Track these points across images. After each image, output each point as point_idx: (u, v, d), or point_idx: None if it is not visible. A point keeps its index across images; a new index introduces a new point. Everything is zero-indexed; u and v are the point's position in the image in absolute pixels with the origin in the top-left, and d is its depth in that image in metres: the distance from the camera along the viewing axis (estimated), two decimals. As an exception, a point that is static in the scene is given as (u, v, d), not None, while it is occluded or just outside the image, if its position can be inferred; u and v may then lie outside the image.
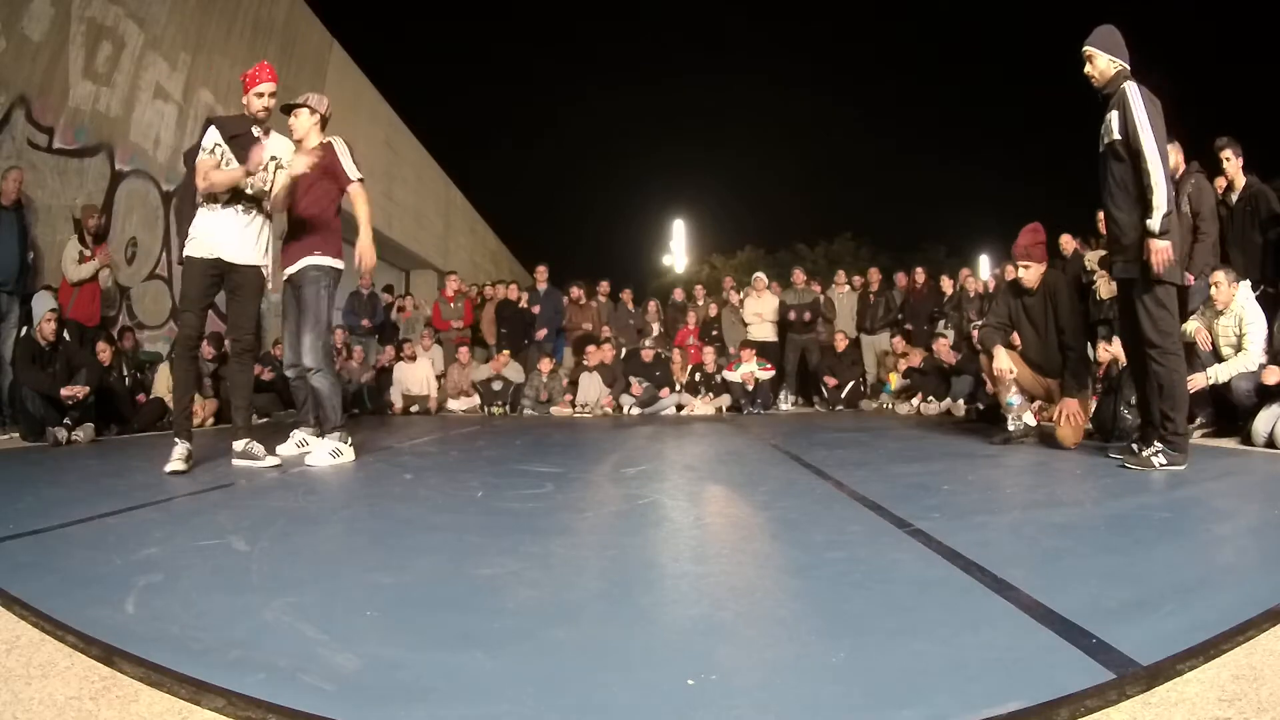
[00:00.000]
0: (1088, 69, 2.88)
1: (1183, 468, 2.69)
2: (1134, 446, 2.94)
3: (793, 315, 8.19)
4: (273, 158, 3.21)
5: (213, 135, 3.14)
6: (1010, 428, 3.73)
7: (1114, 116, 2.76)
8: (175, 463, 2.94)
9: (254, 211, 3.19)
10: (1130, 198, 2.76)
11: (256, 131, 3.20)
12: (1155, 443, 2.77)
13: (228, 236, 3.12)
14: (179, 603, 1.26)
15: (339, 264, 3.54)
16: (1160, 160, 2.63)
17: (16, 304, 5.15)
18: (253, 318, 3.33)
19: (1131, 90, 2.72)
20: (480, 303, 9.20)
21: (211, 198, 3.09)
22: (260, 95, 3.17)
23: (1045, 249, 3.87)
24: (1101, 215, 6.27)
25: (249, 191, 3.14)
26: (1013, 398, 3.74)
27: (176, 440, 3.03)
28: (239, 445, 3.24)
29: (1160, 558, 1.49)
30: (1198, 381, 3.85)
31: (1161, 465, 2.68)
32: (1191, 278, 4.12)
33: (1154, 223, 2.64)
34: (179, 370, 3.25)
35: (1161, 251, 2.64)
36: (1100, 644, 0.99)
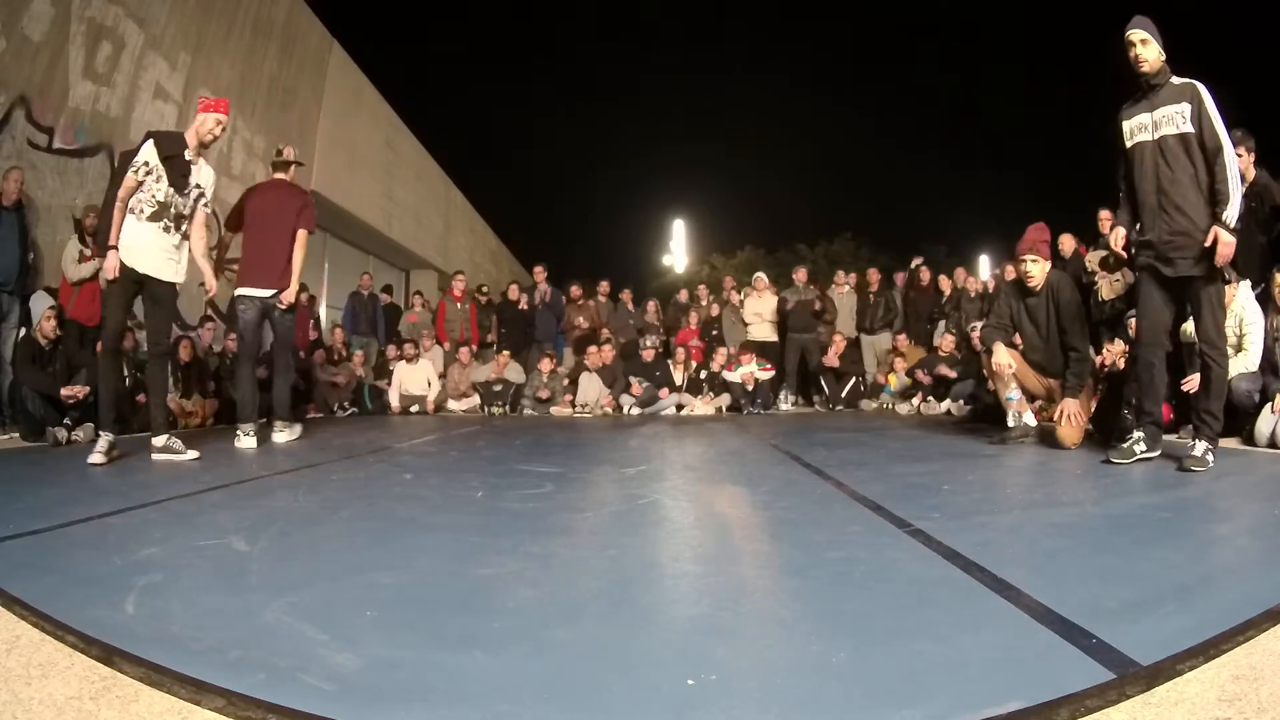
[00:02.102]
0: (1139, 52, 2.79)
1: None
2: (1134, 444, 2.90)
3: (791, 304, 8.19)
4: (196, 185, 3.40)
5: (147, 152, 3.25)
6: (1010, 423, 3.74)
7: (1184, 109, 2.70)
8: (97, 455, 3.12)
9: (173, 231, 3.34)
10: (1199, 194, 2.70)
11: (189, 155, 3.35)
12: (1202, 439, 2.73)
13: (147, 250, 3.27)
14: (179, 603, 1.26)
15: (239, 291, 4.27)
16: (1235, 161, 2.64)
17: (17, 304, 5.15)
18: (169, 326, 3.56)
19: (1204, 90, 2.70)
20: (485, 304, 9.18)
21: (139, 210, 3.24)
22: (220, 123, 3.39)
23: (1050, 249, 3.87)
24: (1104, 215, 6.29)
25: (172, 210, 3.31)
26: (1012, 392, 3.75)
27: (100, 433, 3.24)
28: (159, 441, 3.35)
29: (1160, 558, 1.49)
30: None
31: (1212, 462, 2.67)
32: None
33: (1229, 216, 2.60)
34: (105, 368, 3.43)
35: (1229, 245, 2.60)
36: (1100, 644, 0.99)
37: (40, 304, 5.02)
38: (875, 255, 22.26)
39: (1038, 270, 3.72)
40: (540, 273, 8.88)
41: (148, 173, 3.22)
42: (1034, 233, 3.78)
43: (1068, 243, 6.55)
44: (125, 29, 6.61)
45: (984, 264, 17.37)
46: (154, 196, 3.25)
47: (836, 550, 1.57)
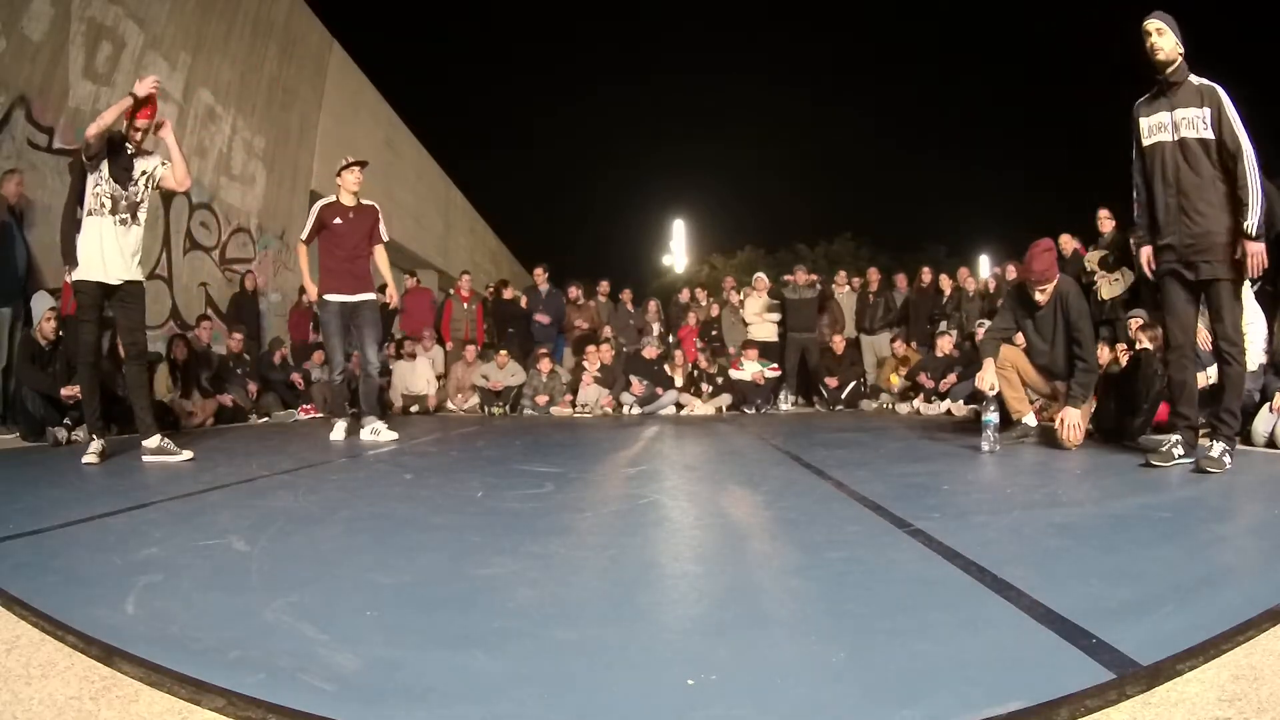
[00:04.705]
0: (1154, 40, 2.75)
1: None
2: (1173, 448, 2.80)
3: (793, 282, 8.26)
4: (143, 172, 3.40)
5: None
6: (985, 447, 3.44)
7: (1205, 114, 2.69)
8: (90, 456, 3.20)
9: (130, 224, 3.34)
10: (1221, 197, 2.69)
11: (130, 149, 3.37)
12: (1220, 439, 2.71)
13: (110, 257, 3.27)
14: (179, 603, 1.26)
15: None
16: (1258, 166, 2.63)
17: (21, 305, 5.15)
18: (142, 324, 3.51)
19: (1224, 94, 2.68)
20: (489, 304, 9.16)
21: (98, 206, 3.25)
22: (138, 129, 3.41)
23: (1056, 259, 3.76)
24: (1103, 214, 6.29)
25: (124, 202, 3.31)
26: (990, 416, 3.48)
27: (93, 437, 3.30)
28: (151, 443, 3.32)
29: (1160, 558, 1.49)
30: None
31: (1228, 464, 2.64)
32: None
33: (1251, 225, 2.61)
34: (85, 378, 3.42)
35: (1258, 255, 2.63)
36: (1100, 644, 0.99)
37: (40, 304, 5.01)
38: (875, 255, 22.26)
39: (1048, 292, 3.66)
40: (540, 273, 8.86)
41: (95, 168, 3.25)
42: (1042, 258, 3.64)
43: (1067, 243, 6.55)
44: (125, 29, 6.62)
45: (984, 264, 17.37)
46: (108, 191, 3.28)
47: (836, 550, 1.57)
